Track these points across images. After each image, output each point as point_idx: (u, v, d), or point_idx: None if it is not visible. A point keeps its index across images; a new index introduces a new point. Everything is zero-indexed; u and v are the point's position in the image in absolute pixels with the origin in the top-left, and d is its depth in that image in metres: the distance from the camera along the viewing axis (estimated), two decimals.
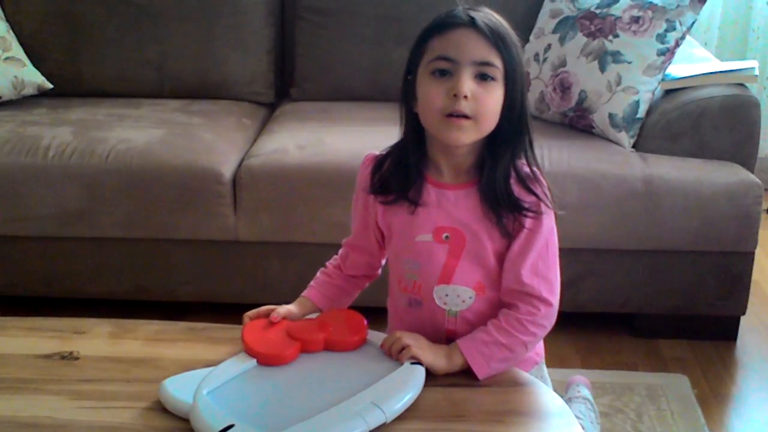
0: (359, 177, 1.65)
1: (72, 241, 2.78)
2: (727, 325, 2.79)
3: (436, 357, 1.50)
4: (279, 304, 1.64)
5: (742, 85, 2.76)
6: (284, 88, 3.36)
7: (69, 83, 3.24)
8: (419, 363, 1.48)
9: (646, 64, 2.71)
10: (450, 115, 1.45)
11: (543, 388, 1.51)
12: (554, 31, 2.90)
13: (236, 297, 2.82)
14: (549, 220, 1.54)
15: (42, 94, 3.17)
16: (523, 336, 1.52)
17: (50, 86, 3.18)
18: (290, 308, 1.63)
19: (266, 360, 1.49)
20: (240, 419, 1.35)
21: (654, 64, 2.72)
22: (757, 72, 2.80)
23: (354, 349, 1.54)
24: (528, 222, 1.52)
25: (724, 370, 2.64)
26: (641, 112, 2.71)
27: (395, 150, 1.60)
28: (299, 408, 1.39)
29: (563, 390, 2.22)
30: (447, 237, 1.54)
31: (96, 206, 2.71)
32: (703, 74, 2.78)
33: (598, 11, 2.83)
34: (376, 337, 1.56)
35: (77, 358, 1.60)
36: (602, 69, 2.75)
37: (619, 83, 2.72)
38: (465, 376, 1.51)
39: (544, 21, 3.02)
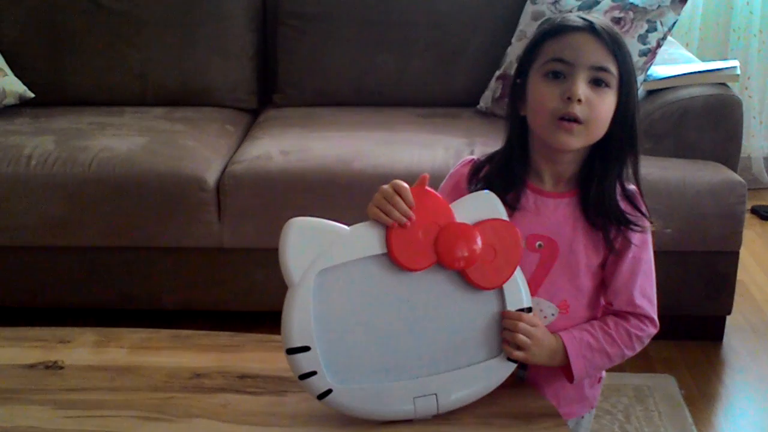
0: (456, 173, 1.57)
1: (55, 250, 2.77)
2: (713, 325, 2.79)
3: (540, 358, 1.44)
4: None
5: (724, 84, 2.77)
6: (267, 94, 3.35)
7: (51, 92, 3.23)
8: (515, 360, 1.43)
9: None
10: (561, 119, 1.41)
11: (530, 391, 1.51)
12: (535, 32, 2.90)
13: (222, 304, 2.81)
14: (649, 238, 1.51)
15: (24, 104, 3.15)
16: (627, 350, 1.49)
17: (32, 95, 3.16)
18: None
19: (395, 261, 1.37)
20: (321, 339, 1.35)
21: (636, 65, 2.72)
22: (738, 71, 2.80)
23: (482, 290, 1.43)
24: (636, 238, 1.48)
25: (710, 370, 2.64)
26: None
27: (498, 154, 1.54)
28: (382, 344, 1.38)
29: None
30: (540, 245, 1.49)
31: (79, 215, 2.70)
32: (685, 74, 2.79)
33: (579, 13, 2.83)
34: (512, 290, 1.42)
35: (62, 368, 1.59)
36: None
37: None
38: None
39: (526, 23, 3.02)
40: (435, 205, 1.39)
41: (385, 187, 1.38)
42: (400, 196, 1.36)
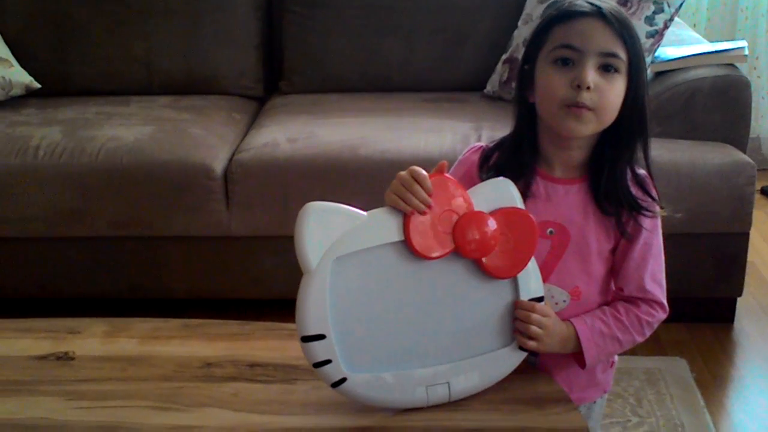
0: (466, 160, 1.56)
1: (64, 241, 2.77)
2: (724, 307, 2.79)
3: (552, 347, 1.44)
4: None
5: (732, 65, 2.76)
6: (273, 81, 3.35)
7: (57, 82, 3.23)
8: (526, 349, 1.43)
9: None
10: (571, 106, 1.39)
11: (541, 376, 1.50)
12: (542, 16, 2.89)
13: (231, 292, 2.82)
14: (659, 222, 1.50)
15: (30, 94, 3.16)
16: (638, 336, 1.49)
17: (38, 86, 3.16)
18: None
19: (412, 249, 1.35)
20: (336, 327, 1.33)
21: (643, 47, 2.70)
22: (746, 51, 2.79)
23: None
24: (647, 223, 1.47)
25: (722, 353, 2.64)
26: None
27: (506, 142, 1.53)
28: (397, 332, 1.37)
29: None
30: (551, 232, 1.48)
31: (87, 205, 2.70)
32: (693, 55, 2.78)
33: None
34: (525, 279, 1.42)
35: (72, 358, 1.59)
36: None
37: None
38: None
39: (532, 6, 3.01)
40: (454, 192, 1.37)
41: (404, 173, 1.35)
42: (419, 183, 1.34)
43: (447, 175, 1.38)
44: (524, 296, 1.42)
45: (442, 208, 1.35)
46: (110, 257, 2.80)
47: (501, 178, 1.42)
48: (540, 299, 1.43)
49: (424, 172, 1.35)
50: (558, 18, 1.44)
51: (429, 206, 1.34)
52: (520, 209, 1.40)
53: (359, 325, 1.36)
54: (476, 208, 1.37)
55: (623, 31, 1.40)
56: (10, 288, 2.85)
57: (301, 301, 1.33)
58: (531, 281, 1.43)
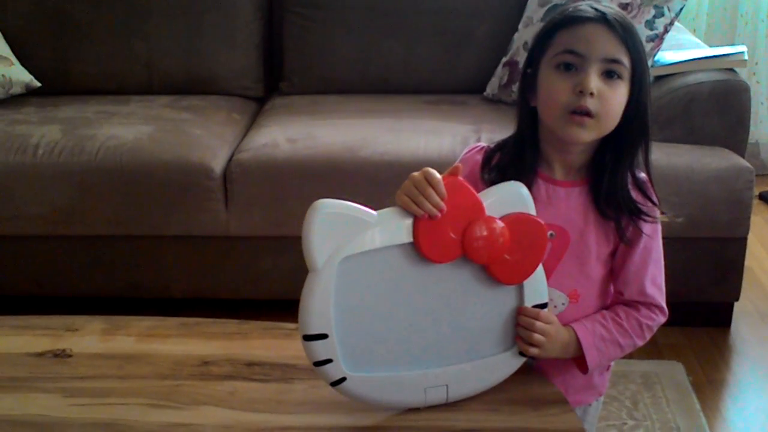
0: (469, 159, 1.54)
1: (63, 239, 2.77)
2: (721, 312, 2.79)
3: (553, 352, 1.44)
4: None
5: (731, 70, 2.76)
6: (274, 82, 3.35)
7: (57, 81, 3.23)
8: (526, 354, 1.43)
9: None
10: (573, 112, 1.39)
11: (537, 378, 1.50)
12: (543, 20, 2.89)
13: (229, 292, 2.81)
14: (659, 226, 1.50)
15: (30, 93, 3.16)
16: (638, 340, 1.49)
17: (38, 84, 3.17)
18: None
19: (422, 253, 1.33)
20: (339, 327, 1.32)
21: None
22: (746, 56, 2.79)
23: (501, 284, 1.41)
24: (647, 228, 1.47)
25: (718, 357, 2.64)
26: None
27: (508, 143, 1.52)
28: (399, 334, 1.37)
29: None
30: (552, 235, 1.46)
31: (86, 204, 2.70)
32: (693, 60, 2.78)
33: (589, 1, 2.82)
34: (532, 285, 1.41)
35: (70, 356, 1.59)
36: None
37: None
38: None
39: (533, 9, 3.02)
40: (466, 197, 1.35)
41: (416, 175, 1.32)
42: (433, 186, 1.31)
43: (460, 179, 1.35)
44: (528, 302, 1.42)
45: (453, 212, 1.33)
46: (108, 256, 2.80)
47: (513, 181, 1.41)
48: (544, 305, 1.43)
49: (438, 176, 1.32)
50: (562, 23, 1.43)
51: (441, 210, 1.32)
52: (530, 216, 1.39)
53: (362, 325, 1.36)
54: (488, 213, 1.35)
55: (627, 38, 1.40)
56: (8, 285, 2.85)
57: (305, 299, 1.32)
58: (536, 287, 1.42)
